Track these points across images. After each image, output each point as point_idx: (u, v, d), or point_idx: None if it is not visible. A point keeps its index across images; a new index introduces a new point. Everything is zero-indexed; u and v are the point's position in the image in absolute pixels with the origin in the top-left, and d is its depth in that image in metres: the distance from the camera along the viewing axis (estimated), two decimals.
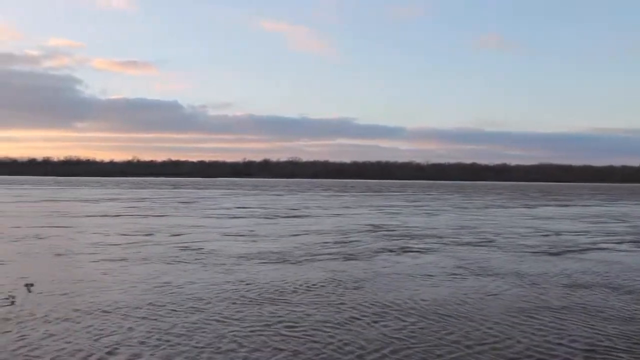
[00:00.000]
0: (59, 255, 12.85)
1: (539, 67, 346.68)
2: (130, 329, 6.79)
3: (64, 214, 25.92)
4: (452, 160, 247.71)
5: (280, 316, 7.50)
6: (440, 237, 17.77)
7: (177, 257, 12.72)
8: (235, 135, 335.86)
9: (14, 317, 7.21)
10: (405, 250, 14.58)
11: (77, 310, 7.64)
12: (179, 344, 6.23)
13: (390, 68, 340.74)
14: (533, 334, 6.84)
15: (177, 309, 7.77)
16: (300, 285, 9.64)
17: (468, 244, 16.22)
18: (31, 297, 8.34)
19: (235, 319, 7.30)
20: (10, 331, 6.58)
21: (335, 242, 15.97)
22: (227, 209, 32.24)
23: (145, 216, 25.29)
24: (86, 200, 39.73)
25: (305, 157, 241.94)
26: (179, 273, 10.62)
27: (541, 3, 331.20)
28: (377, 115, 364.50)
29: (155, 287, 9.28)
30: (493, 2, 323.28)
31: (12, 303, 7.92)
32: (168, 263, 11.84)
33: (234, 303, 8.21)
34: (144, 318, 7.28)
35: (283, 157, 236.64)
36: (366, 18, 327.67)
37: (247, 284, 9.62)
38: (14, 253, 13.06)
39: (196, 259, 12.43)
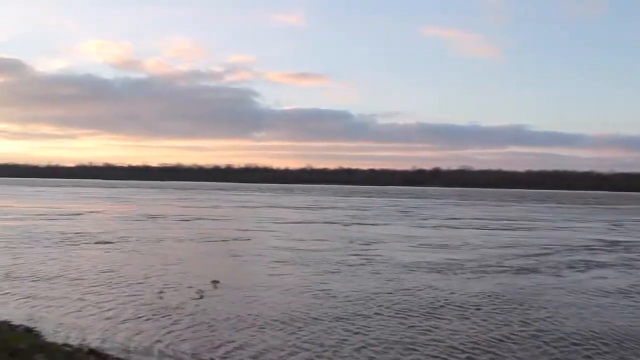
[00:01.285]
0: (256, 255, 14.45)
1: None
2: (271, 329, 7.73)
3: (281, 220, 28.22)
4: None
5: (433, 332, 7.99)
6: None
7: (353, 263, 13.67)
8: (404, 144, 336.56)
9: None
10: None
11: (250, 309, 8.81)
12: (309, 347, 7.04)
13: (566, 70, 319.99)
14: None
15: (321, 317, 8.61)
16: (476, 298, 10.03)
17: None
18: (216, 292, 9.66)
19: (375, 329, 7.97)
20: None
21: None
22: (442, 219, 32.70)
23: (372, 224, 26.82)
24: (297, 208, 42.25)
25: (475, 166, 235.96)
26: (344, 279, 11.56)
27: None
28: (553, 121, 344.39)
29: (312, 293, 10.21)
30: None
31: (201, 297, 9.28)
32: (337, 269, 12.80)
33: (378, 314, 8.88)
34: (282, 323, 8.22)
35: (453, 166, 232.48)
36: (537, 19, 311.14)
37: (407, 294, 10.23)
38: (221, 253, 14.95)
39: (367, 266, 13.27)
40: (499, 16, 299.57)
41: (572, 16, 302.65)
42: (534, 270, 13.31)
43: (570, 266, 14.10)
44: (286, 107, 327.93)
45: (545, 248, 18.13)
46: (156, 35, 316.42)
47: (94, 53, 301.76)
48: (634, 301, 10.07)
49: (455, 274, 12.52)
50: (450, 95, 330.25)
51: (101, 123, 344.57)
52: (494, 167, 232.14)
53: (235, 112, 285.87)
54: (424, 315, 8.51)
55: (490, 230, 24.75)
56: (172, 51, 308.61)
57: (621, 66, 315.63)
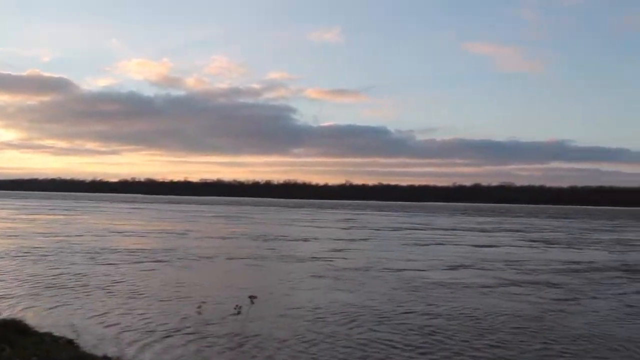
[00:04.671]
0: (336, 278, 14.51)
1: None
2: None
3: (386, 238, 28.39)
4: None
5: None
6: None
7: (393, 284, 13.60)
8: (442, 160, 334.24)
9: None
10: None
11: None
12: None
13: (608, 84, 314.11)
14: None
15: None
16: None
17: None
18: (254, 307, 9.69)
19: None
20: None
21: None
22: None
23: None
24: (396, 229, 42.45)
25: (516, 182, 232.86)
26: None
27: None
28: (595, 136, 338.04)
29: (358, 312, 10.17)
30: None
31: (239, 313, 9.31)
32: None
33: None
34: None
35: (493, 182, 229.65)
36: (578, 32, 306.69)
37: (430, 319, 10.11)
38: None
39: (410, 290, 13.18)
40: (538, 31, 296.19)
41: (613, 29, 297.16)
42: None
43: None
44: (323, 124, 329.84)
45: None
46: (195, 53, 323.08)
47: (135, 71, 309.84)
48: None
49: None
50: (489, 111, 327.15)
51: (143, 139, 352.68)
52: (535, 183, 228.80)
53: (273, 128, 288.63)
54: None
55: None
56: (211, 68, 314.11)
57: None
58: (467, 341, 7.89)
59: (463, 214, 77.96)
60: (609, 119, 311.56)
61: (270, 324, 8.65)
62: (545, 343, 7.93)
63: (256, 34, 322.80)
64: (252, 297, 10.23)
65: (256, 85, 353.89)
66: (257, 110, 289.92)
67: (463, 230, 37.37)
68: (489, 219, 58.07)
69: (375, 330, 8.46)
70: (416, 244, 24.30)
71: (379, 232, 32.89)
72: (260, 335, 8.00)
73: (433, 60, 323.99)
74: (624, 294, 12.53)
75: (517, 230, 38.08)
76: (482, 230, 37.31)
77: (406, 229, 36.51)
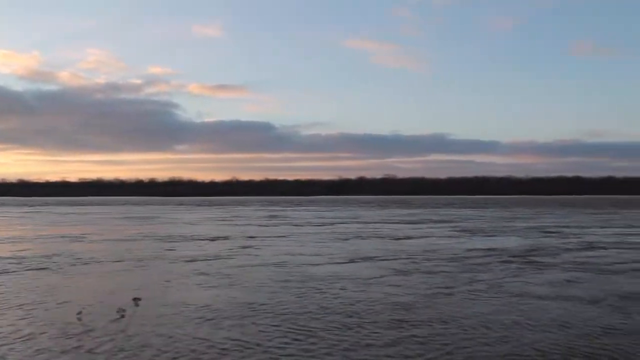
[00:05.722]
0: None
1: (635, 72, 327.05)
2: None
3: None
4: (552, 174, 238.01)
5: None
6: None
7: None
8: (327, 154, 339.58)
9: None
10: None
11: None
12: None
13: (482, 80, 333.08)
14: None
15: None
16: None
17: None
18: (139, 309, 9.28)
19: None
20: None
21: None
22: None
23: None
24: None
25: (399, 174, 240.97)
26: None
27: (633, 4, 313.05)
28: (471, 130, 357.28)
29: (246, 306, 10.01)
30: (583, 8, 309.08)
31: (122, 316, 8.87)
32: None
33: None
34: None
35: (377, 175, 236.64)
36: (455, 32, 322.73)
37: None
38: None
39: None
40: (417, 29, 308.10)
41: (487, 30, 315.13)
42: None
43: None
44: (207, 120, 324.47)
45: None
46: (68, 45, 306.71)
47: (0, 63, 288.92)
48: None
49: None
50: (372, 106, 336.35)
51: (13, 137, 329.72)
52: (416, 175, 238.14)
53: (155, 124, 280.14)
54: None
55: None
56: (87, 62, 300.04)
57: (534, 78, 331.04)
58: (330, 332, 7.92)
59: (367, 206, 79.47)
60: (482, 114, 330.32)
61: (153, 326, 8.30)
62: (403, 329, 8.17)
63: (135, 27, 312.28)
64: (136, 300, 9.82)
65: (136, 80, 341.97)
66: (138, 106, 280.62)
67: (390, 222, 37.99)
68: (413, 211, 59.50)
69: (241, 326, 8.31)
70: (338, 238, 24.28)
71: (293, 227, 32.70)
72: (141, 337, 7.65)
73: (316, 56, 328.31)
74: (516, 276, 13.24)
75: (444, 221, 39.20)
76: (409, 222, 38.07)
77: (328, 224, 36.35)
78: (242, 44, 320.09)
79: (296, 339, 7.58)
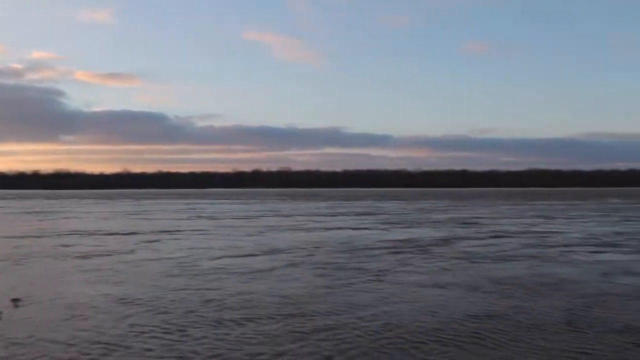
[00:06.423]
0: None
1: (526, 72, 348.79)
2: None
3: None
4: (442, 168, 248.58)
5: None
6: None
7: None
8: (223, 146, 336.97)
9: None
10: None
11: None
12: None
13: (377, 76, 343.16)
14: None
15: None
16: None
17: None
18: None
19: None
20: None
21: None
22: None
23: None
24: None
25: (294, 167, 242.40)
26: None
27: (526, 7, 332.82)
28: (365, 123, 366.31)
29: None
30: (477, 9, 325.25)
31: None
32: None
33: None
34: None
35: (272, 167, 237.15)
36: (352, 27, 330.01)
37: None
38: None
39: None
40: (314, 23, 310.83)
41: (383, 26, 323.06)
42: None
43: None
44: (96, 109, 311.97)
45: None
46: None
47: None
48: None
49: None
50: (268, 99, 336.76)
51: None
52: (311, 168, 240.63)
53: (39, 113, 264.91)
54: None
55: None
56: None
57: (426, 75, 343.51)
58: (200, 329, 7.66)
59: (272, 198, 79.12)
60: (376, 108, 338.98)
61: (33, 327, 7.62)
62: (269, 319, 8.00)
63: (17, 10, 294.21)
64: (15, 300, 9.24)
65: (17, 65, 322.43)
66: (20, 92, 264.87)
67: (313, 215, 37.73)
68: (330, 204, 59.47)
69: (110, 324, 7.86)
70: (256, 232, 23.63)
71: (210, 221, 31.62)
72: (19, 339, 6.99)
73: (212, 46, 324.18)
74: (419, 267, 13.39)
75: (367, 214, 39.39)
76: (332, 215, 37.98)
77: (249, 217, 35.57)
78: (134, 32, 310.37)
79: (164, 336, 7.19)
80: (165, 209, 47.90)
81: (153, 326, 7.71)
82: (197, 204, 63.21)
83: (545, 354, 6.45)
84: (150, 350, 6.65)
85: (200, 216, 36.53)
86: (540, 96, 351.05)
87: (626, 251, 16.69)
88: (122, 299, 9.62)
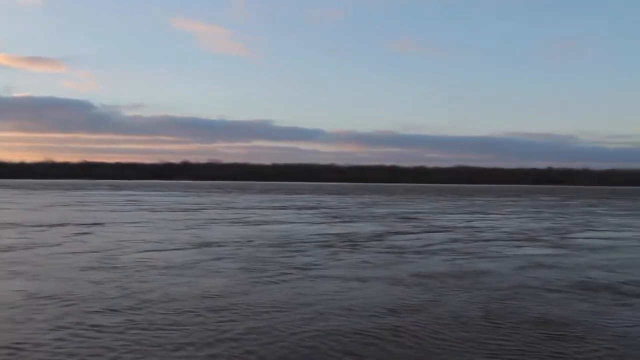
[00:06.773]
0: None
1: (453, 71, 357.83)
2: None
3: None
4: (372, 163, 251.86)
5: None
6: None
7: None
8: (150, 137, 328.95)
9: None
10: None
11: None
12: None
13: (309, 71, 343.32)
14: None
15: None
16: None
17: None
18: None
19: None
20: None
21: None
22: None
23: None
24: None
25: (223, 159, 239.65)
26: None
27: (459, 5, 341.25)
28: (295, 117, 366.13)
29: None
30: (408, 8, 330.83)
31: None
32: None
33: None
34: None
35: (201, 159, 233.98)
36: (284, 20, 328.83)
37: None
38: None
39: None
40: (246, 15, 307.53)
41: (316, 21, 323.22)
42: None
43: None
44: (17, 95, 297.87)
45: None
46: None
47: None
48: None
49: None
50: (198, 90, 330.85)
51: None
52: (240, 160, 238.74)
53: None
54: None
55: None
56: None
57: (357, 70, 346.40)
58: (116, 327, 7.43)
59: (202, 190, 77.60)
60: (307, 103, 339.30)
61: None
62: (184, 313, 7.85)
63: None
64: None
65: None
66: None
67: (257, 208, 37.25)
68: (273, 197, 58.70)
69: (14, 322, 7.50)
70: (195, 225, 23.05)
71: (149, 213, 30.70)
72: None
73: (139, 33, 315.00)
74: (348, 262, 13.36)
75: (311, 207, 39.26)
76: (277, 208, 37.60)
77: (189, 210, 34.55)
78: (60, 15, 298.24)
79: (74, 335, 6.87)
80: (101, 201, 46.29)
81: (61, 323, 7.36)
82: (134, 195, 61.51)
83: (463, 346, 6.55)
84: (61, 347, 6.36)
85: (140, 208, 35.41)
86: (465, 94, 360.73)
87: (544, 245, 17.34)
88: (29, 294, 9.12)
